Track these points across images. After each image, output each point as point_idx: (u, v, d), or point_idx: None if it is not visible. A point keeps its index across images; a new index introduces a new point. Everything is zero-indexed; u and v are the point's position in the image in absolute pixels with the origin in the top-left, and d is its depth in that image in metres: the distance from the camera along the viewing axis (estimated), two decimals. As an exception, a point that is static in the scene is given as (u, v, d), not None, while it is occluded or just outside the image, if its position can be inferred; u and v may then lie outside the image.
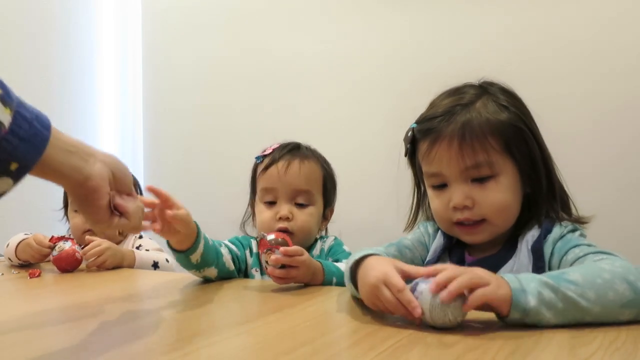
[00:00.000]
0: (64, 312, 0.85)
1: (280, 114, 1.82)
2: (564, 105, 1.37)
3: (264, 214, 1.17)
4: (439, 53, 1.56)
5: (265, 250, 0.94)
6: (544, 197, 0.85)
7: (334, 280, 0.99)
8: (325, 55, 1.75)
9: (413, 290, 0.65)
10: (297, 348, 0.59)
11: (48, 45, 1.87)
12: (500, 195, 0.82)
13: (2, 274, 1.21)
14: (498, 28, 1.49)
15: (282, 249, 0.91)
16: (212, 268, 1.01)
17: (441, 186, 0.86)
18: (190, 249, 0.96)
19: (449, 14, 1.56)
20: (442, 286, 0.62)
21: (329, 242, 1.21)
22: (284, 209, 1.15)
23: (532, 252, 0.82)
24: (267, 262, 0.93)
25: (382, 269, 0.68)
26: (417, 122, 0.89)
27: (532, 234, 0.84)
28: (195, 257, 0.97)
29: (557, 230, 0.82)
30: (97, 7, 2.06)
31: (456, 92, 0.89)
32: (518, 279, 0.63)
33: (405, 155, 0.94)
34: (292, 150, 1.20)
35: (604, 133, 1.36)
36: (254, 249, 1.19)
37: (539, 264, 0.81)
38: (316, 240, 1.23)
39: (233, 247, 1.13)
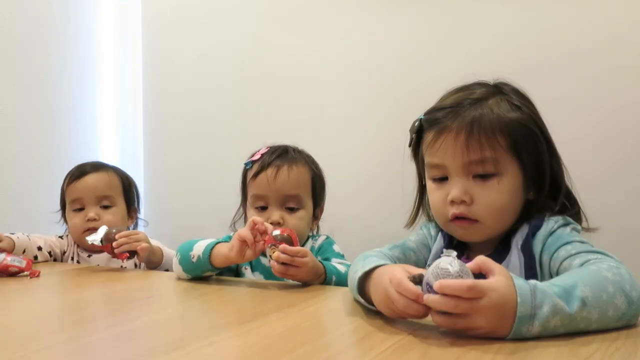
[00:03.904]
0: (64, 312, 0.85)
1: (280, 114, 1.82)
2: (565, 106, 1.37)
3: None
4: (439, 53, 1.56)
5: (269, 245, 0.96)
6: (543, 201, 0.84)
7: (334, 278, 1.00)
8: (326, 55, 1.74)
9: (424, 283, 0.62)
10: (297, 348, 0.59)
11: (47, 45, 1.86)
12: (499, 197, 0.81)
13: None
14: (500, 28, 1.48)
15: (281, 247, 0.93)
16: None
17: (442, 179, 0.85)
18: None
19: (449, 14, 1.56)
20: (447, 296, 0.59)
21: (319, 240, 1.23)
22: (275, 214, 1.17)
23: (521, 252, 0.81)
24: (270, 256, 0.95)
25: (393, 273, 0.66)
26: (425, 114, 0.88)
27: (522, 233, 0.83)
28: (215, 273, 1.05)
29: (546, 226, 0.81)
30: (96, 7, 2.06)
31: (467, 88, 0.88)
32: (533, 300, 0.58)
33: (410, 146, 0.93)
34: (281, 155, 1.22)
35: (605, 134, 1.35)
36: None
37: (530, 263, 0.80)
38: (308, 239, 1.24)
39: None
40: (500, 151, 0.80)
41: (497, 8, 1.49)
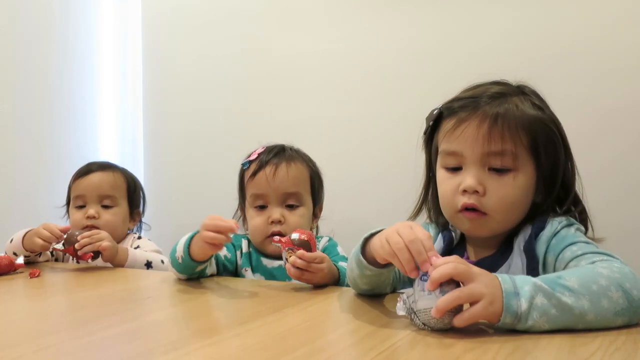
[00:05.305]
0: (64, 312, 0.85)
1: (280, 114, 1.82)
2: (566, 106, 1.36)
3: (255, 219, 1.18)
4: (441, 53, 1.56)
5: (287, 249, 0.95)
6: (550, 204, 0.84)
7: (346, 282, 1.00)
8: (326, 55, 1.74)
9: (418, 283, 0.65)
10: (297, 348, 0.59)
11: (47, 45, 1.86)
12: (512, 192, 0.81)
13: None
14: (502, 28, 1.48)
15: (299, 253, 0.92)
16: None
17: (455, 169, 0.84)
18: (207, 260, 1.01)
19: (451, 14, 1.55)
20: (436, 285, 0.63)
21: (322, 242, 1.22)
22: (276, 212, 1.16)
23: (524, 253, 0.81)
24: (286, 259, 0.95)
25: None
26: (445, 104, 0.87)
27: (524, 234, 0.83)
28: (204, 266, 1.03)
29: (550, 227, 0.81)
30: (96, 7, 2.06)
31: (487, 84, 0.88)
32: (512, 281, 0.63)
33: (425, 133, 0.92)
34: (278, 153, 1.21)
35: (607, 134, 1.35)
36: (244, 249, 1.20)
37: (533, 264, 0.80)
38: None
39: (224, 250, 1.14)
40: (520, 147, 0.81)
41: (499, 8, 1.49)
